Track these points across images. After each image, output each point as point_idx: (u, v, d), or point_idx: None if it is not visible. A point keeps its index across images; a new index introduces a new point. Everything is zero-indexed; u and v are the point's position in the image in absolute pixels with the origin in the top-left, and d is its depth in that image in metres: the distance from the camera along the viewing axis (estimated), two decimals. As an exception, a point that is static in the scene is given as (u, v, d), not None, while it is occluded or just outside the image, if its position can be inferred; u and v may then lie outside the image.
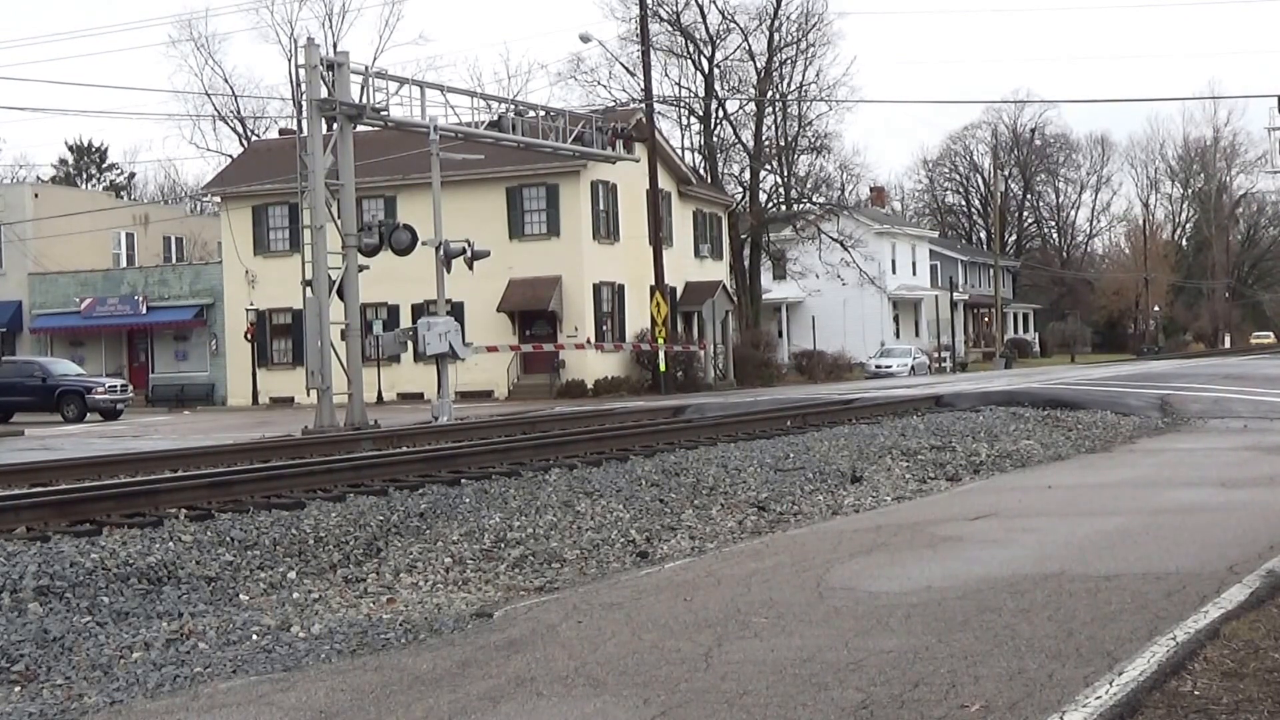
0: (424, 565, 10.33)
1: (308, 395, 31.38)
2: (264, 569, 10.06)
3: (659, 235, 44.83)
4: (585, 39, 47.75)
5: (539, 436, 19.65)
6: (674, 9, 57.82)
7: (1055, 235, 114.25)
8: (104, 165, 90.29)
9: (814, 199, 65.46)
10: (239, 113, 72.32)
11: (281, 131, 56.97)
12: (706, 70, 59.11)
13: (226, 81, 73.05)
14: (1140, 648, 6.46)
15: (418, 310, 40.41)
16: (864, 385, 44.32)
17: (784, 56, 61.24)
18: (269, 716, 6.11)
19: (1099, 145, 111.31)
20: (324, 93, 27.90)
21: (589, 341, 45.28)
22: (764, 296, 64.08)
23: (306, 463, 15.94)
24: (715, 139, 60.37)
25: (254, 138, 67.63)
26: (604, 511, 12.64)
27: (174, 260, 60.26)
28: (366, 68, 30.39)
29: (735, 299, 55.38)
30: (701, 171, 58.43)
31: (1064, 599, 7.70)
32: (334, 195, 28.56)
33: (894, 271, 76.08)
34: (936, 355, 70.11)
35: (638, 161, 40.66)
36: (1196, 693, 5.76)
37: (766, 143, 61.71)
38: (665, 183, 49.04)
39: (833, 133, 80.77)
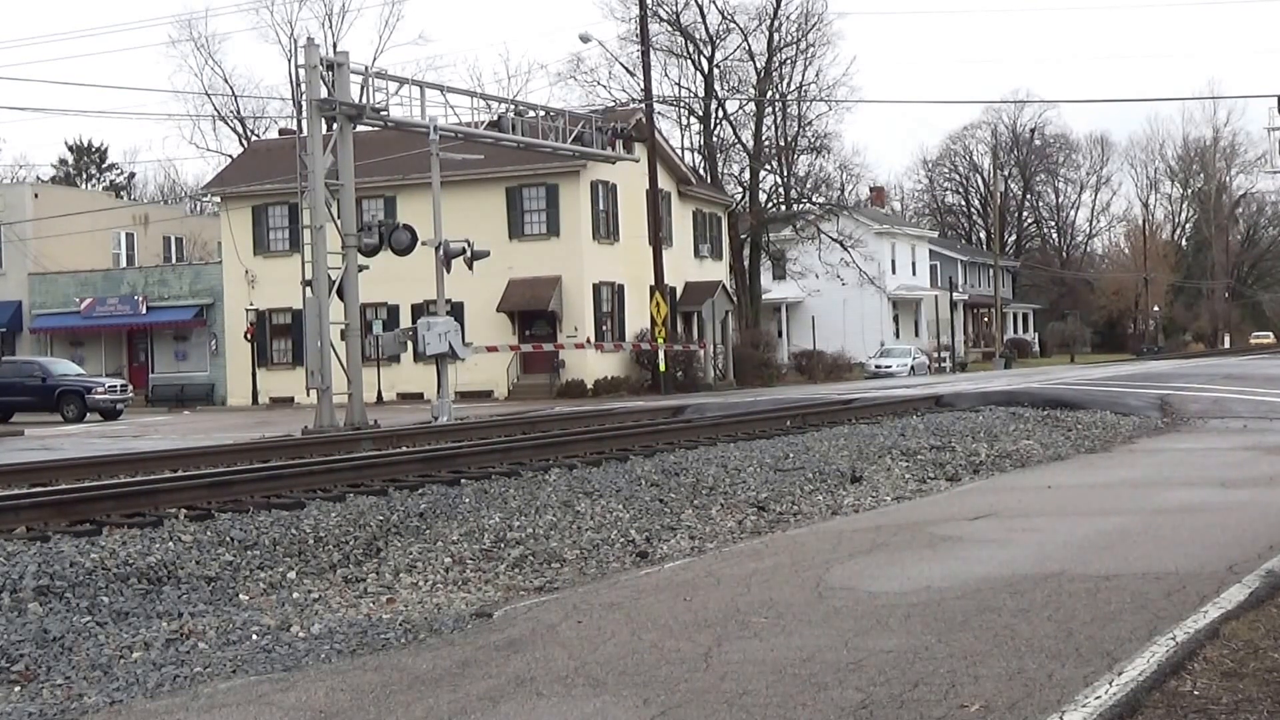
0: (424, 565, 10.32)
1: (308, 395, 31.39)
2: (264, 569, 10.06)
3: (659, 235, 44.81)
4: (585, 39, 47.80)
5: (539, 436, 19.64)
6: (674, 9, 57.90)
7: (1055, 235, 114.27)
8: (104, 165, 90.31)
9: (814, 199, 65.47)
10: (239, 113, 72.45)
11: (281, 131, 56.96)
12: (706, 70, 59.13)
13: (226, 82, 73.09)
14: (1140, 648, 6.46)
15: (418, 310, 40.40)
16: (864, 385, 44.31)
17: (784, 56, 61.31)
18: (269, 716, 6.11)
19: (1099, 145, 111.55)
20: (324, 93, 27.91)
21: (589, 341, 45.28)
22: (764, 296, 64.08)
23: (306, 463, 15.94)
24: (715, 139, 60.38)
25: (254, 138, 67.64)
26: (604, 511, 12.63)
27: (174, 260, 60.25)
28: (366, 68, 30.42)
29: (735, 299, 55.37)
30: (701, 171, 58.41)
31: (1064, 599, 7.70)
32: (334, 195, 28.55)
33: (894, 271, 76.06)
34: (936, 355, 70.09)
35: (637, 161, 40.64)
36: (1196, 693, 5.76)
37: (766, 143, 61.72)
38: (665, 183, 49.03)
39: (832, 133, 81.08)
